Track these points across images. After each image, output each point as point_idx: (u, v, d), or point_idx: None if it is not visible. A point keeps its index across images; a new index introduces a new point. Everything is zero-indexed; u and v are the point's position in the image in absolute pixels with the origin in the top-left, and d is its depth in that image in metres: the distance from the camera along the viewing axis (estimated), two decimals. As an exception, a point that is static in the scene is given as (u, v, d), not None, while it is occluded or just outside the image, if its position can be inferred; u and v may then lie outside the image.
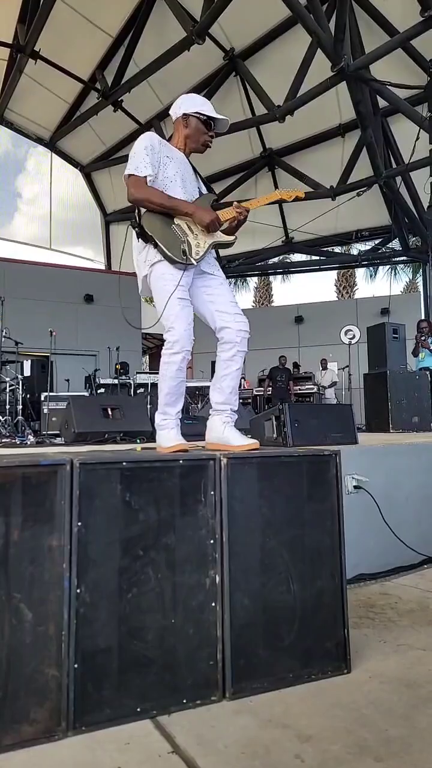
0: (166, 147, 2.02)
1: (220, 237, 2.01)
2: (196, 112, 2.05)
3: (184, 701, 1.33)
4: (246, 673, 1.41)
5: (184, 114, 2.06)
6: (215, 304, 2.00)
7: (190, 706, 1.34)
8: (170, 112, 2.13)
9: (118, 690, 1.27)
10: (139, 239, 1.97)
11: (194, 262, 1.91)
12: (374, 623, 1.90)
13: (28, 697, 1.20)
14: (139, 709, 1.28)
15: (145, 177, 1.92)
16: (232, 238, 2.05)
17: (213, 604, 1.40)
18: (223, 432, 1.92)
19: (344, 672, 1.52)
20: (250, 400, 9.55)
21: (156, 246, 1.92)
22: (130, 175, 1.93)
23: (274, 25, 8.32)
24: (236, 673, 1.39)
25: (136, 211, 1.98)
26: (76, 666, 1.23)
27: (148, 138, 1.99)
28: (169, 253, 1.90)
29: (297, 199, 2.20)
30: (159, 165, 1.96)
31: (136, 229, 1.97)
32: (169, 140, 2.11)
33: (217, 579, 1.41)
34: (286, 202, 2.23)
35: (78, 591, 1.25)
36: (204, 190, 2.13)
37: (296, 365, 11.04)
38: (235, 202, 2.05)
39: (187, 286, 1.95)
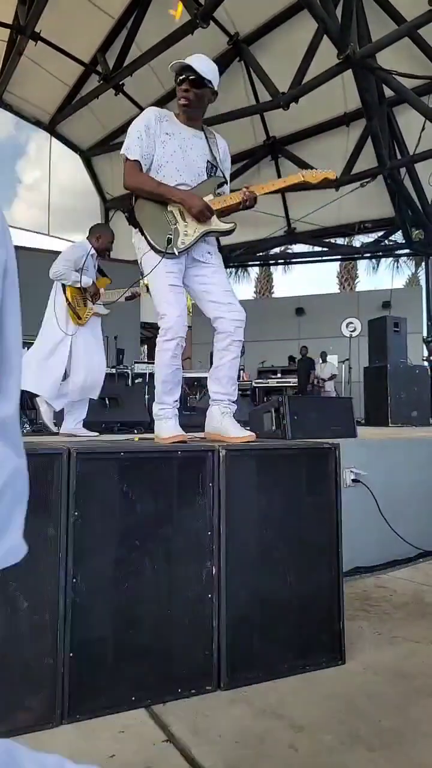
0: (167, 123, 1.95)
1: (216, 225, 1.94)
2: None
3: (179, 691, 1.34)
4: (241, 664, 1.41)
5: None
6: (209, 294, 1.97)
7: (185, 695, 1.34)
8: None
9: (114, 679, 1.28)
10: (130, 224, 1.95)
11: (176, 252, 1.87)
12: (369, 616, 1.91)
13: (23, 685, 1.20)
14: (134, 698, 1.29)
15: (137, 161, 1.90)
16: (229, 226, 1.96)
17: (209, 596, 1.40)
18: (221, 422, 1.91)
19: (339, 663, 1.53)
20: (249, 392, 9.53)
21: (142, 234, 1.90)
22: (125, 160, 1.92)
23: (280, 10, 8.16)
24: (231, 663, 1.40)
25: (133, 196, 1.95)
26: (71, 655, 1.23)
27: (145, 117, 1.93)
28: (153, 243, 1.88)
29: (324, 182, 1.94)
30: (155, 145, 1.91)
31: (126, 214, 1.95)
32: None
33: (214, 570, 1.41)
34: (310, 185, 2.03)
35: (74, 580, 1.25)
36: (220, 164, 2.01)
37: (292, 358, 11.01)
38: (245, 187, 1.95)
39: (179, 273, 1.93)
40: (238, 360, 2.00)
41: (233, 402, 1.98)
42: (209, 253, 2.00)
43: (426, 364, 6.84)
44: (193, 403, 6.56)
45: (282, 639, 1.49)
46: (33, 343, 3.44)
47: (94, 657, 1.26)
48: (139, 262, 1.98)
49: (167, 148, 1.92)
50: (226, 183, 2.04)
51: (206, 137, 2.01)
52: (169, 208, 1.92)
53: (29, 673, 1.21)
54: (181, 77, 1.90)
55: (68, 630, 1.23)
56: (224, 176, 2.02)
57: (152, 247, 1.88)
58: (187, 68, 1.88)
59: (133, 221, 1.93)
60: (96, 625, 1.27)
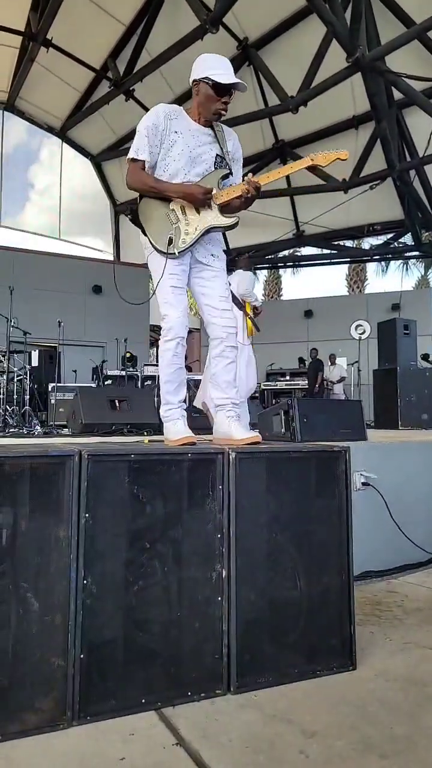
0: (176, 120, 1.92)
1: (217, 220, 1.91)
2: (205, 78, 1.85)
3: (189, 694, 1.34)
4: (251, 668, 1.41)
5: (194, 80, 1.90)
6: (205, 297, 1.98)
7: (195, 699, 1.34)
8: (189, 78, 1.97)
9: (123, 681, 1.28)
10: (133, 224, 1.97)
11: (176, 252, 1.86)
12: (380, 621, 1.89)
13: (33, 686, 1.20)
14: (143, 701, 1.29)
15: (143, 162, 1.89)
16: (231, 220, 1.93)
17: (219, 599, 1.39)
18: (228, 427, 1.92)
19: (350, 669, 1.52)
20: (257, 395, 9.52)
21: (145, 234, 1.92)
22: (129, 160, 1.91)
23: (289, 14, 8.19)
24: (241, 667, 1.39)
25: (138, 196, 1.96)
26: (81, 656, 1.23)
27: (154, 115, 1.91)
28: (154, 243, 1.89)
29: (335, 161, 1.89)
30: (162, 144, 1.90)
31: (129, 216, 1.96)
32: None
33: (224, 573, 1.40)
34: (320, 167, 2.00)
35: (84, 582, 1.25)
36: (229, 158, 1.99)
37: (302, 360, 10.97)
38: (249, 175, 1.91)
39: (182, 274, 1.93)
40: (234, 365, 2.00)
41: (237, 405, 1.98)
42: (212, 255, 1.99)
43: None
44: (201, 405, 6.55)
45: (292, 643, 1.48)
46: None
47: (105, 659, 1.27)
48: (146, 259, 1.99)
49: (175, 148, 1.90)
50: (232, 174, 2.00)
51: (215, 132, 1.99)
52: (171, 207, 1.91)
53: (40, 674, 1.21)
54: (227, 91, 1.88)
55: (79, 631, 1.23)
56: (231, 169, 1.99)
57: (154, 248, 1.90)
58: (240, 87, 1.88)
59: (136, 222, 1.94)
60: (106, 627, 1.27)
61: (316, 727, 1.23)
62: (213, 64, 1.89)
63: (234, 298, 3.97)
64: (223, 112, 1.92)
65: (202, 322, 2.09)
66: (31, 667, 1.20)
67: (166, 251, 1.87)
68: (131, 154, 1.90)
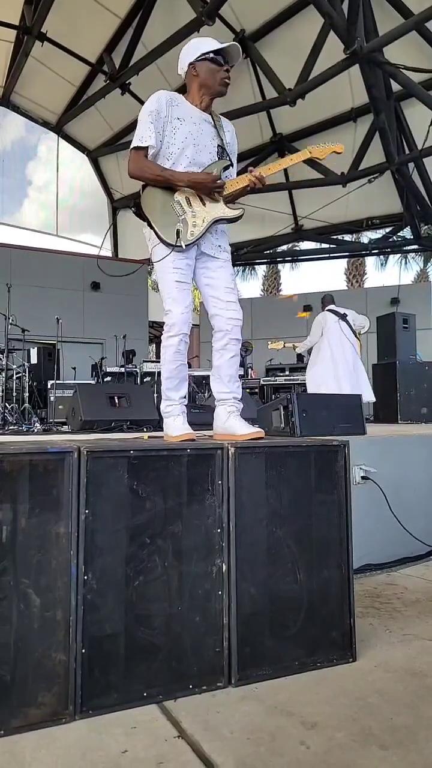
0: (178, 107, 1.90)
1: (224, 212, 1.90)
2: (202, 55, 1.89)
3: (190, 687, 1.35)
4: (252, 661, 1.42)
5: (190, 64, 1.91)
6: (211, 289, 1.95)
7: (196, 692, 1.35)
8: (178, 71, 1.98)
9: (125, 675, 1.29)
10: (137, 217, 1.94)
11: (183, 246, 1.84)
12: (380, 613, 1.91)
13: (36, 681, 1.21)
14: (145, 694, 1.30)
15: (147, 148, 1.87)
16: (237, 212, 1.92)
17: (219, 593, 1.40)
18: (228, 421, 1.91)
19: (350, 661, 1.53)
20: (257, 390, 9.51)
21: (150, 227, 1.88)
22: (133, 149, 1.89)
23: (286, 5, 8.11)
24: (242, 660, 1.40)
25: (141, 187, 1.93)
26: (83, 651, 1.24)
27: (156, 100, 1.89)
28: (162, 236, 1.86)
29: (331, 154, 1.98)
30: (165, 132, 1.88)
31: (132, 208, 1.93)
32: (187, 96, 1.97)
33: (224, 568, 1.41)
34: (318, 160, 1.99)
35: (85, 578, 1.26)
36: (227, 148, 1.98)
37: (301, 356, 10.94)
38: (250, 168, 1.92)
39: (187, 269, 1.91)
40: (238, 358, 1.98)
41: (238, 400, 1.97)
42: (219, 246, 1.97)
43: None
44: (201, 401, 6.57)
45: (292, 636, 1.49)
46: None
47: (106, 653, 1.27)
48: (149, 251, 1.96)
49: (178, 134, 1.88)
50: (232, 166, 2.00)
51: (214, 121, 1.98)
52: (176, 198, 1.89)
53: (42, 669, 1.22)
54: (226, 60, 1.91)
55: (80, 626, 1.24)
56: (231, 160, 1.99)
57: (161, 240, 1.86)
58: (233, 49, 1.91)
59: (140, 214, 1.91)
60: (107, 622, 1.28)
61: (317, 718, 1.24)
62: (201, 43, 1.92)
63: (350, 326, 5.11)
64: (227, 80, 1.94)
65: (202, 318, 2.07)
66: (33, 662, 1.21)
67: (174, 244, 1.83)
68: (135, 142, 1.88)
